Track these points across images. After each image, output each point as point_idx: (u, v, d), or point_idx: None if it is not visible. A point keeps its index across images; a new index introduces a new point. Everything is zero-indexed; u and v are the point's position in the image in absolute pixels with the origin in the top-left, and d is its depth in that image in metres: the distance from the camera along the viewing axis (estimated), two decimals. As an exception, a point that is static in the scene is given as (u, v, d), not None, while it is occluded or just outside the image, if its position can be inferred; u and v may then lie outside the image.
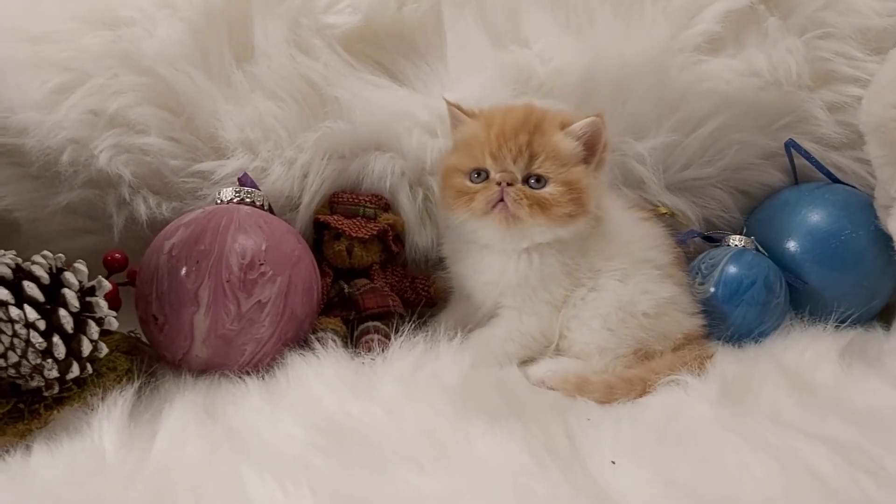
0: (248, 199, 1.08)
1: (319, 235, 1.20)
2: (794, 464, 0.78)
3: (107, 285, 0.95)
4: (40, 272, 0.87)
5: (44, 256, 0.89)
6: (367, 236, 1.16)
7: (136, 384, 0.92)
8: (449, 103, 1.07)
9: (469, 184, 1.02)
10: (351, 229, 1.16)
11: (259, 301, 0.98)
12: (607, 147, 1.05)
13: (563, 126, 1.02)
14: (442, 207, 1.10)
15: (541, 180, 1.00)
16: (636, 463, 0.80)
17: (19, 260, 0.88)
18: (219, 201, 1.08)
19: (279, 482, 0.74)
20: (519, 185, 1.00)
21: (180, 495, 0.73)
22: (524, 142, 1.00)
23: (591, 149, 1.03)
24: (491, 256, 1.06)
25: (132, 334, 1.07)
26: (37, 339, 0.84)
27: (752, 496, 0.74)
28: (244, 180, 1.10)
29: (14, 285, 0.84)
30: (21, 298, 0.84)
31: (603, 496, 0.74)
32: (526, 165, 1.00)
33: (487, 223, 1.02)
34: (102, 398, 0.89)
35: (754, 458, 0.79)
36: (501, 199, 1.00)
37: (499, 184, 1.00)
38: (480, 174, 1.02)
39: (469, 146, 1.03)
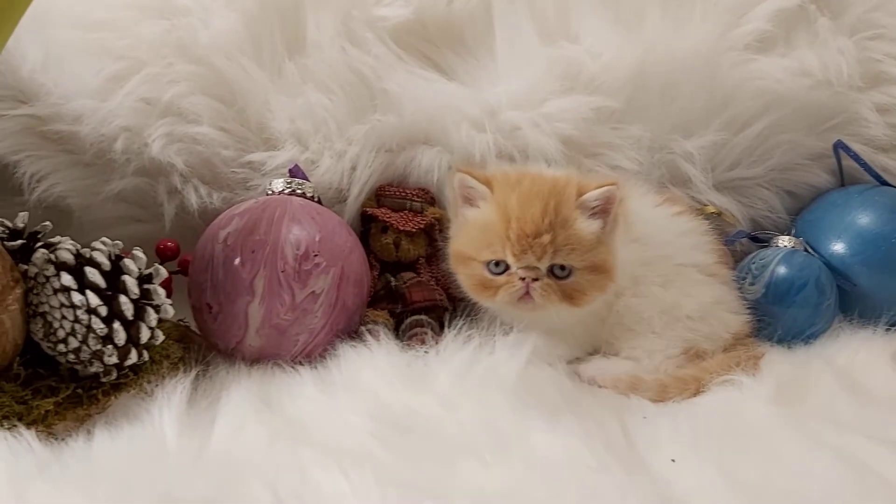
0: (298, 191, 1.08)
1: (366, 228, 1.20)
2: (857, 464, 0.78)
3: (164, 273, 0.95)
4: (101, 258, 0.87)
5: (103, 243, 0.90)
6: (414, 230, 1.16)
7: (193, 372, 0.92)
8: (461, 171, 0.98)
9: (489, 276, 0.97)
10: (398, 223, 1.16)
11: (313, 292, 0.98)
12: (622, 203, 1.00)
13: (579, 194, 0.96)
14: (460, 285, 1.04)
15: (565, 268, 0.96)
16: (698, 460, 0.79)
17: (79, 246, 0.89)
18: (270, 192, 1.08)
19: (343, 471, 0.73)
20: (545, 280, 0.95)
21: (249, 481, 0.73)
22: (548, 241, 0.93)
23: (605, 211, 0.97)
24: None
25: (182, 323, 1.07)
26: (98, 325, 0.84)
27: (816, 494, 0.73)
28: (295, 171, 1.10)
29: (76, 271, 0.85)
30: (83, 284, 0.85)
31: (667, 494, 0.74)
32: (550, 258, 0.94)
33: (515, 310, 0.99)
34: (159, 385, 0.89)
35: (816, 456, 0.78)
36: (527, 292, 0.96)
37: (522, 279, 0.95)
38: (500, 264, 0.96)
39: (484, 233, 0.96)
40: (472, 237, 0.98)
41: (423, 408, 0.87)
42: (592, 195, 0.96)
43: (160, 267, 0.94)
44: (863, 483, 0.75)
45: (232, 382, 0.93)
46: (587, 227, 0.96)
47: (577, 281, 0.97)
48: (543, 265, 0.95)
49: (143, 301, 0.90)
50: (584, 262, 0.96)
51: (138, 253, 0.92)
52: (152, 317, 0.91)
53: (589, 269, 0.97)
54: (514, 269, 0.96)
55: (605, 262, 0.97)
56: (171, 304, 0.95)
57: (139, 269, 0.91)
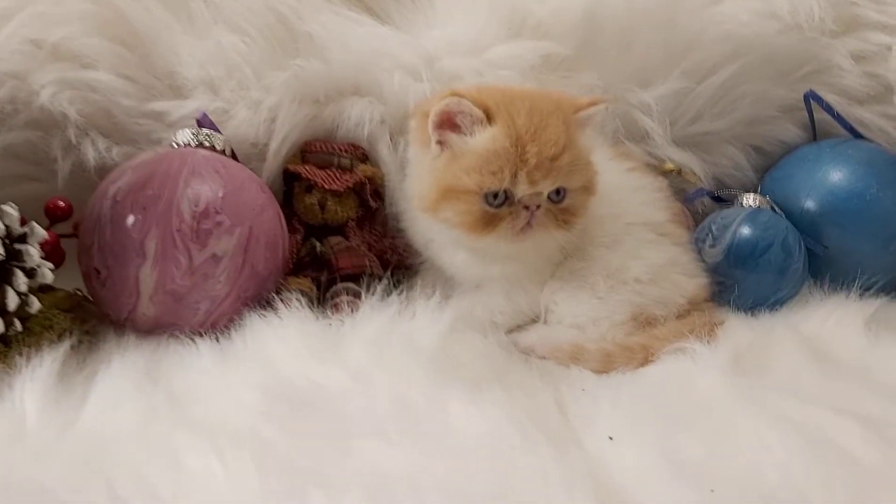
0: (206, 143, 0.96)
1: (289, 188, 1.09)
2: (821, 440, 0.68)
3: (41, 232, 0.84)
4: (-42, 215, 0.75)
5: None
6: (341, 189, 1.05)
7: (69, 343, 0.81)
8: (454, 94, 0.84)
9: (490, 209, 0.85)
10: (324, 181, 1.04)
11: (214, 254, 0.87)
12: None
13: (576, 111, 0.88)
14: (429, 215, 0.91)
15: (561, 191, 0.87)
16: (638, 438, 0.70)
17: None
18: (175, 144, 0.96)
19: (218, 454, 0.63)
20: (545, 206, 0.86)
21: (106, 465, 0.63)
22: (565, 163, 0.84)
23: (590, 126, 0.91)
24: (470, 254, 0.93)
25: (78, 293, 0.96)
26: (-49, 288, 0.73)
27: (772, 475, 0.63)
28: (203, 121, 0.98)
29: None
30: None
31: (599, 475, 0.64)
32: (550, 184, 0.86)
33: (504, 243, 0.88)
34: (30, 358, 0.78)
35: (774, 433, 0.69)
36: (528, 222, 0.86)
37: (527, 207, 0.85)
38: (498, 196, 0.85)
39: (487, 162, 0.84)
40: (467, 167, 0.84)
41: (329, 381, 0.77)
42: (590, 112, 0.89)
43: (35, 225, 0.83)
44: (826, 461, 0.65)
45: (116, 355, 0.83)
46: (585, 144, 0.89)
47: (570, 203, 0.88)
48: (549, 190, 0.86)
49: (13, 263, 0.79)
50: (581, 181, 0.88)
51: (8, 208, 0.81)
52: (21, 280, 0.80)
53: (581, 189, 0.89)
54: (519, 197, 0.85)
55: (592, 180, 0.90)
56: (52, 269, 0.85)
57: (7, 226, 0.80)
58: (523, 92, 0.91)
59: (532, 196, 0.85)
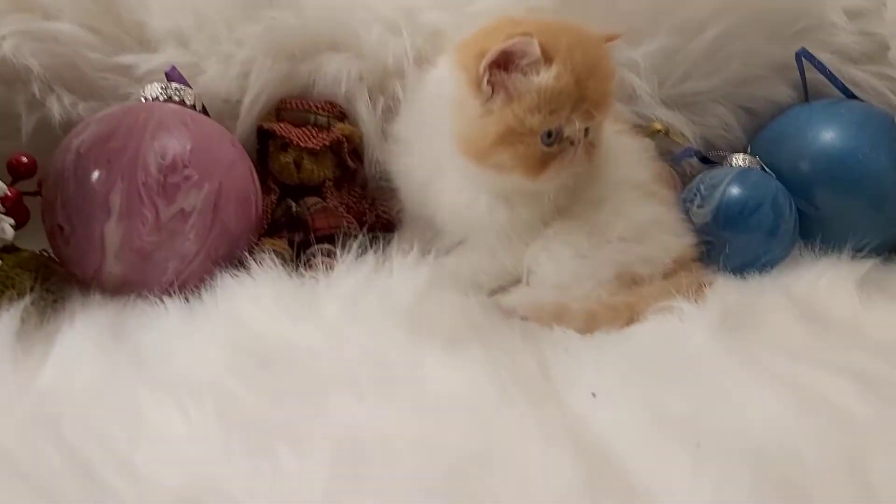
0: (176, 98, 0.92)
1: (264, 147, 1.05)
2: (813, 397, 0.65)
3: (1, 186, 0.80)
4: None
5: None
6: (318, 147, 1.01)
7: (29, 300, 0.77)
8: (524, 35, 0.79)
9: (546, 149, 0.82)
10: (300, 139, 1.00)
11: (182, 210, 0.84)
12: None
13: (606, 41, 0.87)
14: (476, 161, 0.85)
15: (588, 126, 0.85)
16: (622, 395, 0.67)
17: None
18: (143, 99, 0.92)
19: (181, 408, 0.60)
20: (583, 140, 0.85)
21: (64, 423, 0.59)
22: (612, 93, 0.85)
23: None
24: (478, 195, 0.89)
25: (44, 253, 0.92)
26: None
27: (761, 431, 0.60)
28: (172, 75, 0.94)
29: None
30: None
31: (581, 431, 0.61)
32: (604, 114, 0.86)
33: (552, 181, 0.86)
34: (-9, 318, 0.74)
35: (764, 390, 0.66)
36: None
37: (572, 143, 0.83)
38: (552, 134, 0.82)
39: (550, 101, 0.80)
40: (530, 108, 0.80)
41: (301, 339, 0.74)
42: (617, 43, 0.89)
43: (-5, 178, 0.79)
44: (819, 417, 0.62)
45: (80, 313, 0.79)
46: None
47: (594, 135, 0.86)
48: (597, 124, 0.85)
49: (-32, 217, 0.76)
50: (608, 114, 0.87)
51: (-38, 160, 0.77)
52: (-22, 235, 0.76)
53: (602, 122, 0.87)
54: (568, 133, 0.82)
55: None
56: (12, 225, 0.81)
57: (-38, 178, 0.76)
58: (558, 25, 0.86)
59: (579, 131, 0.83)
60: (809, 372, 0.70)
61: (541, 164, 0.83)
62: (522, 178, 0.84)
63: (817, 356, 0.74)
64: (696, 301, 0.84)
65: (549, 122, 0.81)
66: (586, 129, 0.84)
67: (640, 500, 0.53)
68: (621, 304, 0.85)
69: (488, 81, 0.81)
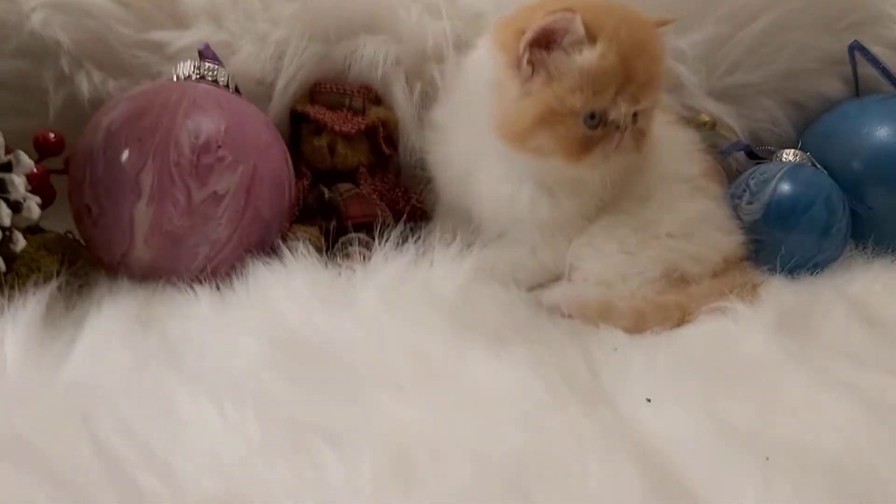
0: (209, 77, 0.89)
1: (296, 130, 1.01)
2: (882, 405, 0.62)
3: (27, 162, 0.77)
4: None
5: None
6: (352, 132, 0.97)
7: (56, 285, 0.75)
8: (568, 10, 0.75)
9: (588, 132, 0.78)
10: (334, 123, 0.97)
11: (215, 192, 0.81)
12: None
13: (659, 26, 0.83)
14: (515, 144, 0.81)
15: (638, 113, 0.80)
16: (678, 400, 0.63)
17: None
18: (175, 77, 0.89)
19: (217, 403, 0.57)
20: (631, 126, 0.80)
21: (93, 413, 0.56)
22: (661, 77, 0.80)
23: None
24: (521, 186, 0.85)
25: (69, 235, 0.89)
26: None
27: (831, 442, 0.57)
28: (205, 53, 0.91)
29: None
30: None
31: (638, 438, 0.57)
32: (651, 99, 0.80)
33: (594, 169, 0.81)
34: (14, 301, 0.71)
35: (829, 397, 0.63)
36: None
37: (618, 127, 0.78)
38: (595, 116, 0.78)
39: (594, 80, 0.76)
40: (572, 87, 0.77)
41: (339, 331, 0.70)
42: (667, 29, 0.84)
43: (22, 154, 0.76)
44: (891, 427, 0.58)
45: (108, 300, 0.76)
46: None
47: (643, 123, 0.82)
48: (645, 108, 0.80)
49: (-5, 194, 0.73)
50: (656, 100, 0.82)
51: (-10, 134, 0.74)
52: (5, 213, 0.73)
53: (651, 108, 0.82)
54: (613, 117, 0.78)
55: (657, 104, 0.84)
56: (38, 204, 0.78)
57: (-13, 153, 0.73)
58: (603, 3, 0.82)
59: (626, 116, 0.78)
60: (875, 378, 0.66)
61: (582, 147, 0.79)
62: (563, 162, 0.80)
63: (882, 362, 0.70)
64: (749, 302, 0.80)
65: (592, 103, 0.77)
66: (634, 115, 0.80)
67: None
68: (671, 303, 0.81)
69: (528, 61, 0.77)
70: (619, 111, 0.77)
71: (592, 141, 0.78)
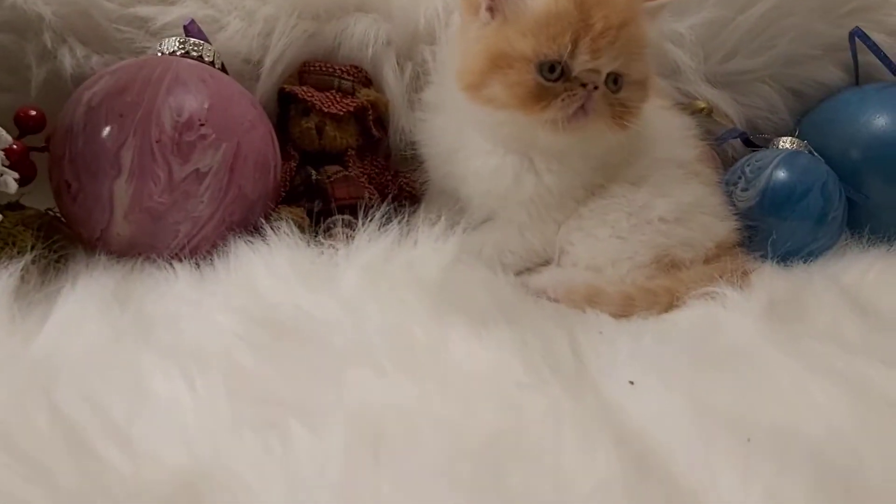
0: (194, 53, 0.87)
1: (284, 111, 1.00)
2: (869, 392, 0.60)
3: (5, 137, 0.76)
4: None
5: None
6: (341, 112, 0.96)
7: (31, 258, 0.73)
8: None
9: (544, 82, 0.76)
10: (322, 103, 0.95)
11: (197, 170, 0.79)
12: None
13: None
14: (472, 93, 0.80)
15: (618, 80, 0.78)
16: (662, 384, 0.61)
17: None
18: (159, 53, 0.87)
19: (187, 379, 0.56)
20: (603, 90, 0.77)
21: (56, 386, 0.55)
22: (629, 37, 0.76)
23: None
24: (504, 159, 0.84)
25: (50, 212, 0.88)
26: None
27: (816, 427, 0.55)
28: (191, 29, 0.89)
29: None
30: None
31: (618, 421, 0.55)
32: (619, 62, 0.77)
33: (550, 131, 0.78)
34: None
35: (816, 382, 0.61)
36: (583, 106, 0.77)
37: (584, 85, 0.76)
38: (555, 69, 0.76)
39: (546, 25, 0.75)
40: (523, 30, 0.75)
41: (319, 310, 0.69)
42: (661, 2, 0.82)
43: (1, 129, 0.75)
44: (877, 413, 0.57)
45: (83, 275, 0.75)
46: (647, 34, 0.80)
47: (627, 96, 0.79)
48: (607, 70, 0.77)
49: (-31, 167, 0.71)
50: (640, 73, 0.80)
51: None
52: (-20, 186, 0.71)
53: (639, 83, 0.80)
54: (577, 72, 0.75)
55: (650, 79, 0.82)
56: (16, 178, 0.77)
57: (-37, 126, 0.72)
58: None
59: (591, 73, 0.76)
60: (864, 365, 0.64)
61: (536, 98, 0.76)
62: (518, 113, 0.78)
63: (871, 349, 0.69)
64: (740, 287, 0.78)
65: (544, 48, 0.75)
66: (615, 81, 0.78)
67: (685, 497, 0.48)
68: (660, 287, 0.80)
69: (487, 7, 0.77)
70: (583, 65, 0.75)
71: (550, 93, 0.76)
